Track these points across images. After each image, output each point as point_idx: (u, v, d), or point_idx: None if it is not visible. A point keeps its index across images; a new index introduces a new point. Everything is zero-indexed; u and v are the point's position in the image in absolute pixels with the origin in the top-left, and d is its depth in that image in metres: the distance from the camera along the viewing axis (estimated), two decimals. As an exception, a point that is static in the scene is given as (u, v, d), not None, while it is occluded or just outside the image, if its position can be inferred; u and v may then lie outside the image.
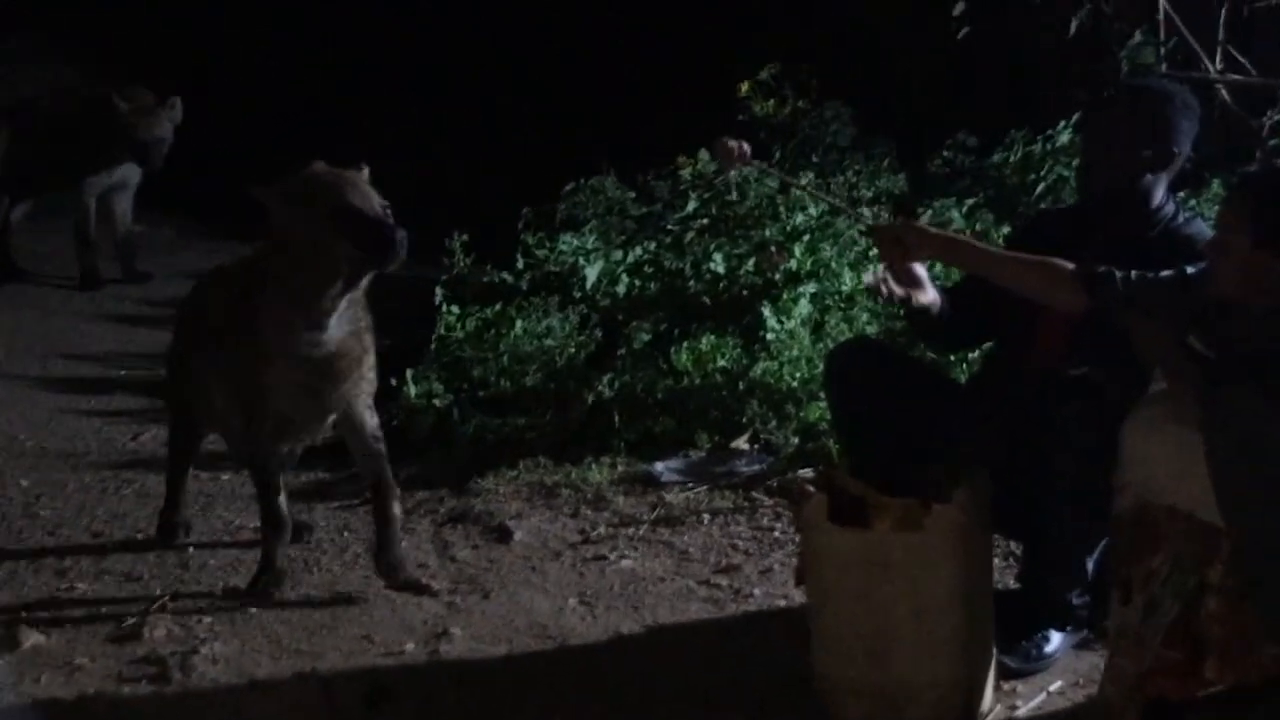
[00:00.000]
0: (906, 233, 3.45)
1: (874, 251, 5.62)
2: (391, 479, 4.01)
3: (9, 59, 10.28)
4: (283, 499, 3.95)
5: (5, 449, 5.52)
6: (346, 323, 3.74)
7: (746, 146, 3.63)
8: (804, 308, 5.52)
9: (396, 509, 3.99)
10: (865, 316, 5.52)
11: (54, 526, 4.66)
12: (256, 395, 3.81)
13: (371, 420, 3.96)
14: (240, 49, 10.53)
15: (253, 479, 4.03)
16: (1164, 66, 6.23)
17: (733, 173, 3.41)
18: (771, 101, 7.29)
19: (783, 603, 3.86)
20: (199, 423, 4.37)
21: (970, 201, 6.34)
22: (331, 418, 3.98)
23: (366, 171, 3.68)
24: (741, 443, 4.99)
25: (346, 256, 3.54)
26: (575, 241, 6.33)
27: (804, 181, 5.97)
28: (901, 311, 3.83)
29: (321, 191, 3.55)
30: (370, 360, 3.88)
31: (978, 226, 6.02)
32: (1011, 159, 6.64)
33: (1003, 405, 3.47)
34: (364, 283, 3.70)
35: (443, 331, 5.84)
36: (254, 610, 3.91)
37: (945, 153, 7.08)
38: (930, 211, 6.19)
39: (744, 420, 5.06)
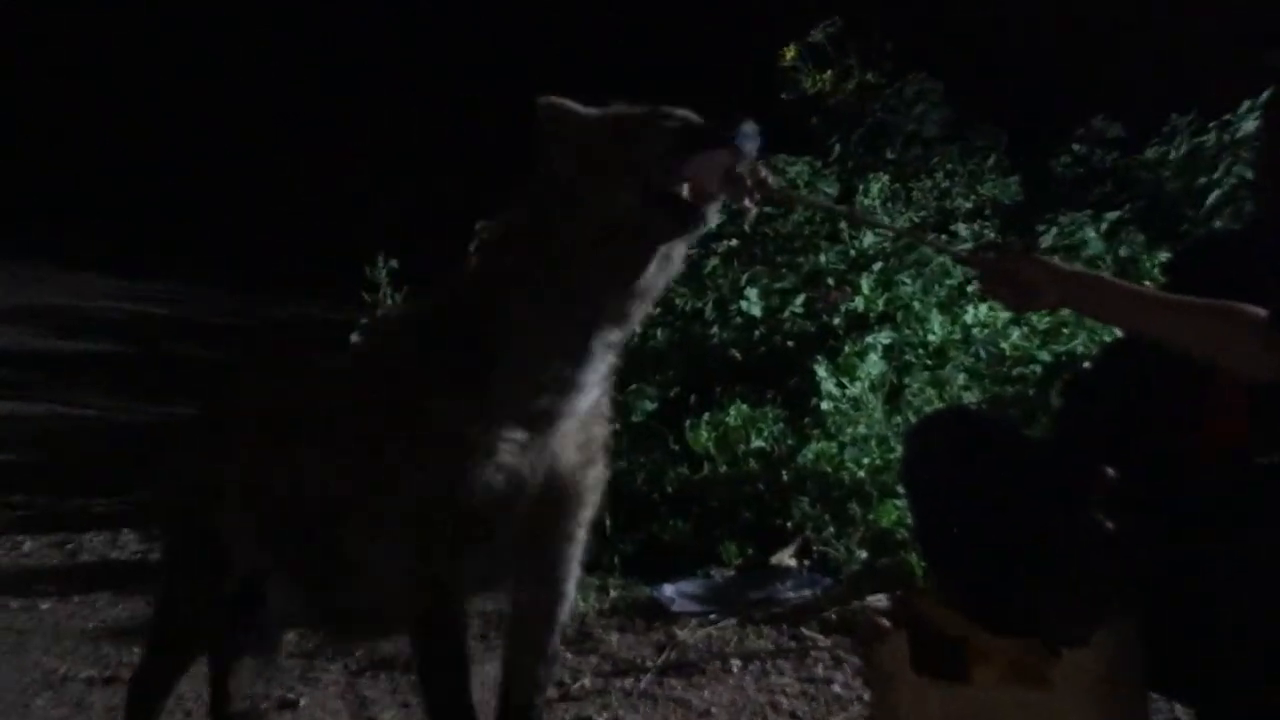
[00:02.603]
0: (1022, 267, 3.41)
1: (973, 287, 5.66)
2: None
3: None
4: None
5: None
6: (603, 378, 3.31)
7: (766, 173, 3.43)
8: (874, 365, 5.52)
9: None
10: (961, 378, 5.51)
11: None
12: (458, 475, 3.18)
13: (573, 591, 3.52)
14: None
15: (424, 653, 3.41)
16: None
17: (751, 211, 3.20)
18: (828, 74, 7.34)
19: (846, 787, 3.85)
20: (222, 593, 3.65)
21: (1112, 216, 6.34)
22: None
23: None
24: (786, 557, 4.99)
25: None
26: (549, 270, 6.35)
27: (864, 208, 5.94)
28: None
29: (640, 122, 3.18)
30: (603, 468, 3.46)
31: (1123, 252, 6.03)
32: (1172, 155, 6.67)
33: (1160, 508, 3.45)
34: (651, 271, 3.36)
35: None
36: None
37: (1076, 147, 7.12)
38: (1055, 230, 6.20)
39: (789, 525, 5.06)
